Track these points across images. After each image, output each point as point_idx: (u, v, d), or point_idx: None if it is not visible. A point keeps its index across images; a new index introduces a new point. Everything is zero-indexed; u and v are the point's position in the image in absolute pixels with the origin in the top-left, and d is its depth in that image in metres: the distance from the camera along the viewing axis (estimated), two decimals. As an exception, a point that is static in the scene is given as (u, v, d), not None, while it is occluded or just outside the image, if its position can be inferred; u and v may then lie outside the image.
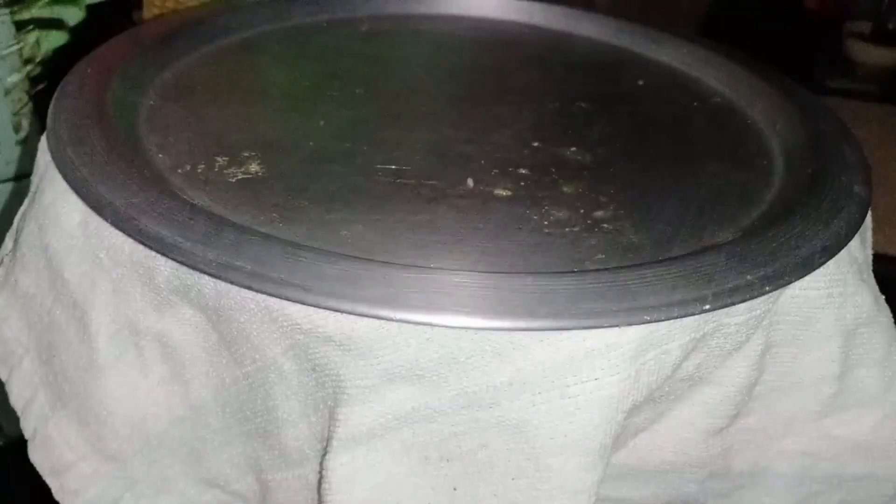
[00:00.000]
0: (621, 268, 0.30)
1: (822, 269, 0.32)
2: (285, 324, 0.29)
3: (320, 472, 0.31)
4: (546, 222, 0.35)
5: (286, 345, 0.30)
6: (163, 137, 0.40)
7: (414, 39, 0.55)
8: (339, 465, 0.30)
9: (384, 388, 0.29)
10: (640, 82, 0.51)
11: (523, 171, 0.39)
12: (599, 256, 0.33)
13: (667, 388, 0.32)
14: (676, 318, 0.29)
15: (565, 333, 0.28)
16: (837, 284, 0.33)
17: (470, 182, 0.38)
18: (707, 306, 0.29)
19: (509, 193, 0.38)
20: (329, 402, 0.30)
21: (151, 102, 0.43)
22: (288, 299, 0.28)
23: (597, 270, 0.30)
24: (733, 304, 0.30)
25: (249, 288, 0.29)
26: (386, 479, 0.31)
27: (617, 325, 0.28)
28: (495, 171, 0.39)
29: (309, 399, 0.31)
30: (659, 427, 0.34)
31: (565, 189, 0.38)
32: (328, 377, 0.29)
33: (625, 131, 0.45)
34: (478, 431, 0.30)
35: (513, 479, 0.31)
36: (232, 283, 0.29)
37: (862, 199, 0.37)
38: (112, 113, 0.40)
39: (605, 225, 0.36)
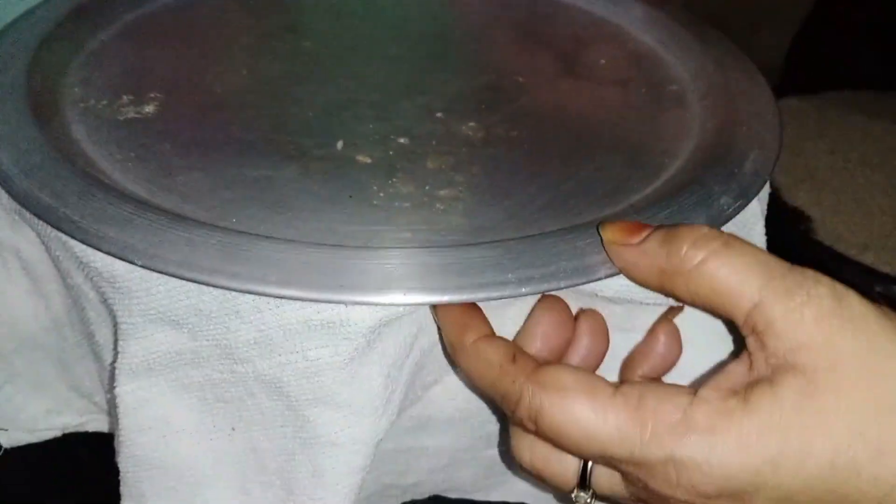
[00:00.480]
0: (384, 248, 0.31)
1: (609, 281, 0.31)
2: (72, 255, 0.32)
3: (113, 397, 0.34)
4: (382, 194, 0.36)
5: (84, 275, 0.33)
6: (90, 72, 0.43)
7: (400, -4, 0.55)
8: (125, 393, 0.33)
9: (149, 328, 0.31)
10: (602, 61, 0.49)
11: (402, 141, 0.40)
12: (405, 235, 0.33)
13: (436, 352, 0.32)
14: (402, 305, 0.29)
15: (298, 304, 0.29)
16: (630, 292, 0.31)
17: (339, 145, 0.39)
18: (446, 298, 0.29)
19: (369, 161, 0.38)
20: (115, 335, 0.33)
21: (105, 38, 0.47)
22: (68, 234, 0.31)
23: (352, 247, 0.31)
24: (481, 300, 0.29)
25: (44, 220, 0.32)
26: (169, 412, 0.33)
27: (342, 303, 0.29)
28: (375, 136, 0.40)
29: (113, 327, 0.34)
30: (448, 379, 0.34)
31: (429, 164, 0.38)
32: (110, 310, 0.32)
33: (543, 112, 0.43)
34: (241, 382, 0.32)
35: (280, 426, 0.32)
36: (33, 213, 0.32)
37: (721, 212, 0.34)
38: (57, 43, 0.44)
39: (440, 205, 0.35)
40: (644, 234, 0.29)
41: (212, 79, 0.44)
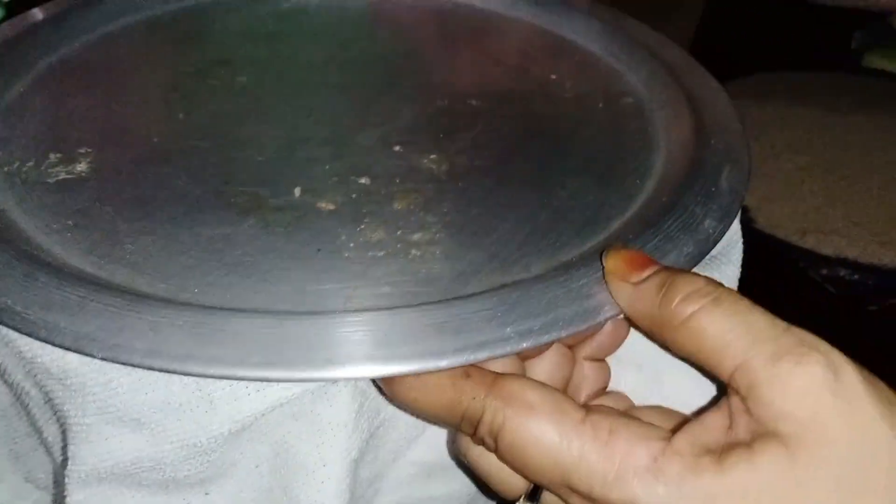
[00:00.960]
0: (369, 310, 0.28)
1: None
2: (14, 350, 0.28)
3: None
4: (352, 244, 0.33)
5: (24, 371, 0.29)
6: (11, 129, 0.39)
7: (336, 18, 0.53)
8: (77, 503, 0.29)
9: (104, 430, 0.28)
10: (553, 76, 0.47)
11: (363, 181, 0.37)
12: (384, 289, 0.31)
13: None
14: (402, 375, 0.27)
15: (281, 385, 0.27)
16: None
17: (297, 191, 0.36)
18: (444, 363, 0.27)
19: (332, 207, 0.36)
20: (63, 437, 0.29)
21: (22, 89, 0.42)
22: (10, 327, 0.27)
23: (335, 313, 0.28)
24: (481, 360, 0.27)
25: (-22, 310, 0.28)
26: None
27: (334, 380, 0.26)
28: (334, 178, 0.37)
29: (59, 427, 0.30)
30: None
31: (396, 205, 0.36)
32: (57, 411, 0.29)
33: (503, 136, 0.42)
34: (209, 468, 0.29)
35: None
36: (-33, 303, 0.28)
37: (707, 236, 0.33)
38: (-33, 101, 0.40)
39: (415, 251, 0.33)
40: (646, 273, 0.28)
41: (145, 127, 0.40)
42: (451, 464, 0.34)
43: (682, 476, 0.24)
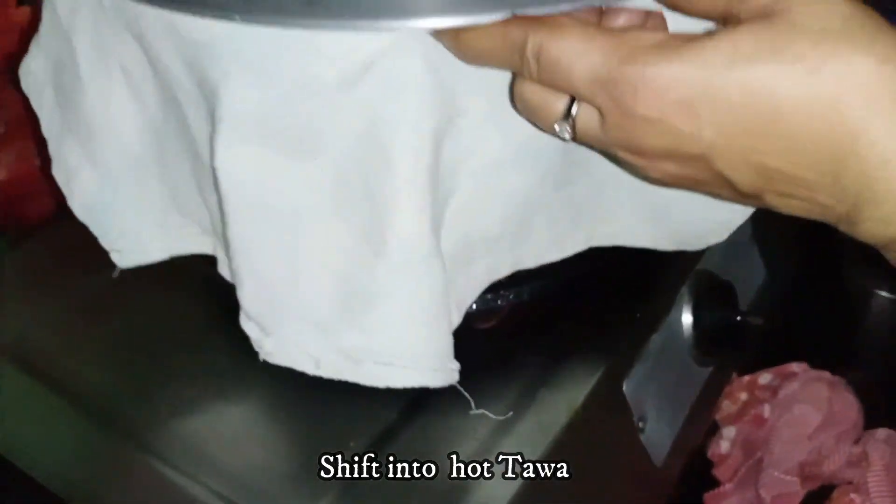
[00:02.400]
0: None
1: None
2: (175, 33, 0.37)
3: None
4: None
5: (182, 59, 0.38)
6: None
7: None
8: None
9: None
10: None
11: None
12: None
13: None
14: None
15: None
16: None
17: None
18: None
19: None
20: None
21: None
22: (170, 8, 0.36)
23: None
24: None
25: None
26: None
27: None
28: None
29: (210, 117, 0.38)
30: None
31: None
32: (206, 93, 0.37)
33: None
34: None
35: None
36: (135, -2, 0.37)
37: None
38: None
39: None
40: None
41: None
42: (521, 156, 0.41)
43: (685, 42, 0.31)
